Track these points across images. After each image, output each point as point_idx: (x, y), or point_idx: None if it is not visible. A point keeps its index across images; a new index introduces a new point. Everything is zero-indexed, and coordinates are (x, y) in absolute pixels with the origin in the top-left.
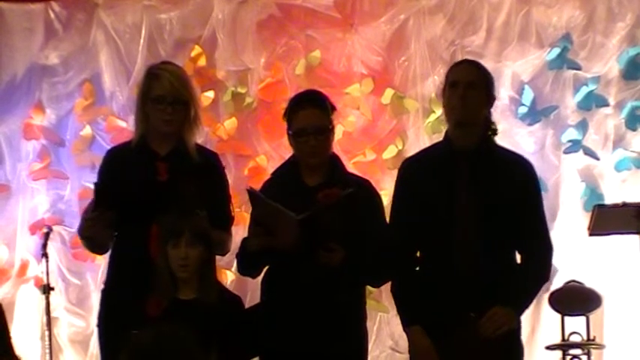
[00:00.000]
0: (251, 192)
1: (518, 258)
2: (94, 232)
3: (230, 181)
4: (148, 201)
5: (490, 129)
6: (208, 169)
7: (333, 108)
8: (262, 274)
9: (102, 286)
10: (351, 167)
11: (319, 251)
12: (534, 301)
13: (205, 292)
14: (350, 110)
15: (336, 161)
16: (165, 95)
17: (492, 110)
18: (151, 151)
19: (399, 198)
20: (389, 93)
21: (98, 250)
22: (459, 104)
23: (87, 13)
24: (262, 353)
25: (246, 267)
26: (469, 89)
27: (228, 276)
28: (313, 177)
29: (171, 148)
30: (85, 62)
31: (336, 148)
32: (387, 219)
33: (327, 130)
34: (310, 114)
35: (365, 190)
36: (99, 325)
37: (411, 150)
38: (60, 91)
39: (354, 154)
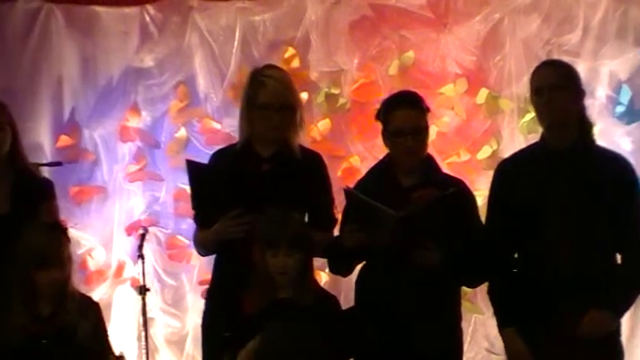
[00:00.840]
0: (347, 191)
1: (618, 258)
2: (235, 232)
3: None
4: (251, 199)
5: (585, 125)
6: (311, 170)
7: (428, 109)
8: (357, 275)
9: (198, 287)
10: (445, 168)
11: (416, 250)
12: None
13: (302, 292)
14: (444, 110)
15: (431, 162)
16: (271, 102)
17: (588, 107)
18: (254, 153)
19: (495, 199)
20: (483, 93)
21: (210, 252)
22: (546, 109)
23: (182, 15)
24: (358, 354)
25: (339, 265)
26: (553, 92)
27: (322, 277)
28: (408, 177)
29: (275, 150)
30: (179, 65)
31: (430, 148)
32: (482, 220)
33: (423, 131)
34: (407, 114)
35: (460, 191)
36: (202, 327)
37: (506, 150)
38: (155, 94)
39: (448, 155)
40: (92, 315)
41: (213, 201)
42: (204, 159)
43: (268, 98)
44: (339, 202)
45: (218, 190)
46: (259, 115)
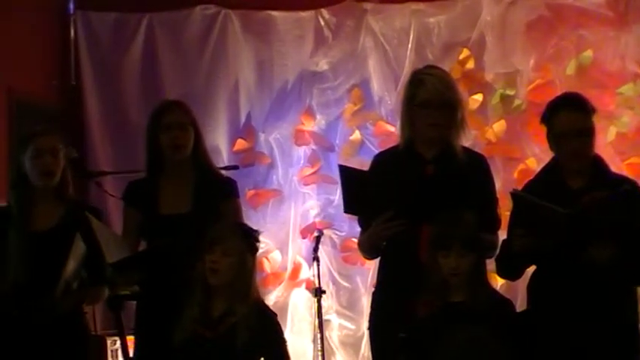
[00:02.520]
0: (514, 194)
1: None
2: (386, 235)
3: (498, 184)
4: (416, 202)
5: None
6: (475, 171)
7: (594, 110)
8: (529, 278)
9: (372, 289)
10: (624, 168)
11: (588, 249)
12: None
13: (475, 296)
14: (623, 110)
15: (599, 163)
16: (430, 100)
17: None
18: (417, 155)
19: None
20: None
21: (372, 255)
22: None
23: (356, 19)
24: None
25: (508, 269)
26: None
27: (498, 280)
28: (577, 180)
29: (438, 151)
30: (353, 68)
31: (609, 149)
32: None
33: (589, 133)
34: (571, 116)
35: (634, 189)
36: (370, 328)
37: None
38: (329, 97)
39: (627, 155)
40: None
41: (371, 204)
42: None
43: (427, 95)
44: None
45: (377, 193)
46: (419, 113)
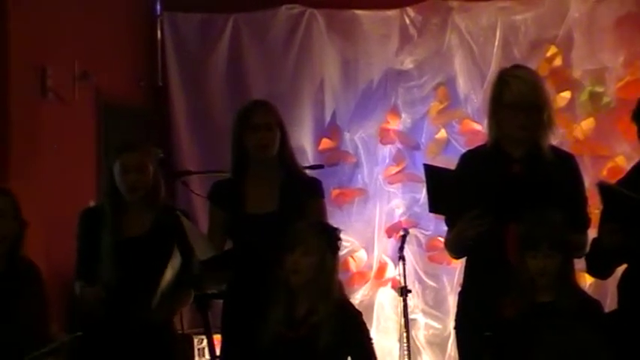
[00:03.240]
0: (602, 185)
1: None
2: (471, 234)
3: (587, 183)
4: (503, 201)
5: None
6: (563, 170)
7: None
8: (619, 277)
9: (459, 289)
10: None
11: None
12: None
13: (563, 296)
14: None
15: None
16: (516, 102)
17: None
18: (505, 154)
19: None
20: None
21: (459, 255)
22: None
23: (441, 17)
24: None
25: (598, 267)
26: None
27: (587, 280)
28: None
29: (526, 150)
30: (439, 66)
31: None
32: None
33: None
34: None
35: None
36: (456, 328)
37: None
38: (415, 96)
39: None
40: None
41: (457, 203)
42: None
43: (514, 97)
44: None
45: (463, 191)
46: (506, 115)
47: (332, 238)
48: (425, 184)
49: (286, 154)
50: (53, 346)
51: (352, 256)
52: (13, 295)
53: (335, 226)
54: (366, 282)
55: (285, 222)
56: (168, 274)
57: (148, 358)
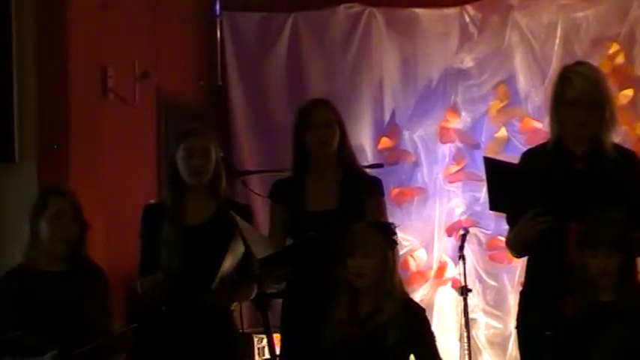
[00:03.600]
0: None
1: None
2: (531, 233)
3: None
4: (565, 199)
5: None
6: (626, 168)
7: None
8: None
9: (520, 288)
10: None
11: None
12: None
13: (624, 296)
14: None
15: None
16: (578, 99)
17: None
18: (567, 151)
19: None
20: None
21: (520, 254)
22: None
23: (501, 14)
24: None
25: None
26: None
27: None
28: None
29: (588, 148)
30: (499, 64)
31: None
32: None
33: None
34: None
35: None
36: (517, 327)
37: None
38: (474, 94)
39: None
40: (413, 322)
41: (518, 199)
42: None
43: (575, 95)
44: None
45: (525, 189)
46: (567, 112)
47: (388, 234)
48: (485, 182)
49: (346, 152)
50: (110, 338)
51: (412, 256)
52: (77, 295)
53: (389, 221)
54: (425, 281)
55: (345, 220)
56: (229, 260)
57: (208, 350)
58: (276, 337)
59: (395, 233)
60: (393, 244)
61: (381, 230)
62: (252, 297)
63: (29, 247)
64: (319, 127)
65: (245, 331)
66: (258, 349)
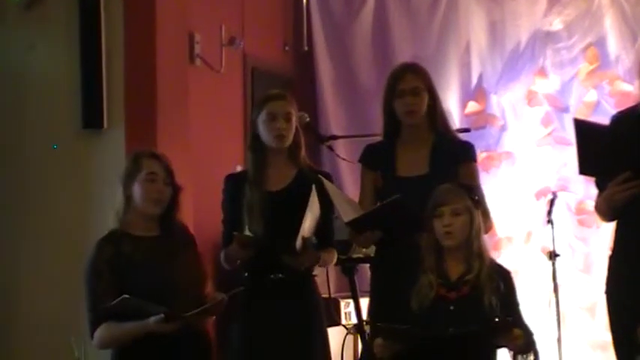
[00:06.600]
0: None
1: None
2: (620, 198)
3: None
4: None
5: None
6: None
7: None
8: None
9: (609, 252)
10: None
11: None
12: None
13: None
14: None
15: None
16: None
17: None
18: None
19: None
20: None
21: (612, 218)
22: None
23: None
24: None
25: None
26: None
27: None
28: None
29: None
30: (589, 26)
31: None
32: None
33: None
34: None
35: None
36: (607, 292)
37: None
38: (563, 57)
39: None
40: (503, 283)
41: (608, 162)
42: None
43: None
44: None
45: (615, 153)
46: None
47: (472, 194)
48: (574, 145)
49: (437, 117)
50: (215, 302)
51: (499, 221)
52: (170, 258)
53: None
54: (513, 246)
55: (437, 185)
56: (308, 220)
57: (289, 314)
58: (363, 302)
59: (477, 195)
60: (477, 203)
61: (466, 190)
62: (334, 262)
63: (123, 211)
64: (406, 95)
65: (332, 295)
66: (345, 313)
